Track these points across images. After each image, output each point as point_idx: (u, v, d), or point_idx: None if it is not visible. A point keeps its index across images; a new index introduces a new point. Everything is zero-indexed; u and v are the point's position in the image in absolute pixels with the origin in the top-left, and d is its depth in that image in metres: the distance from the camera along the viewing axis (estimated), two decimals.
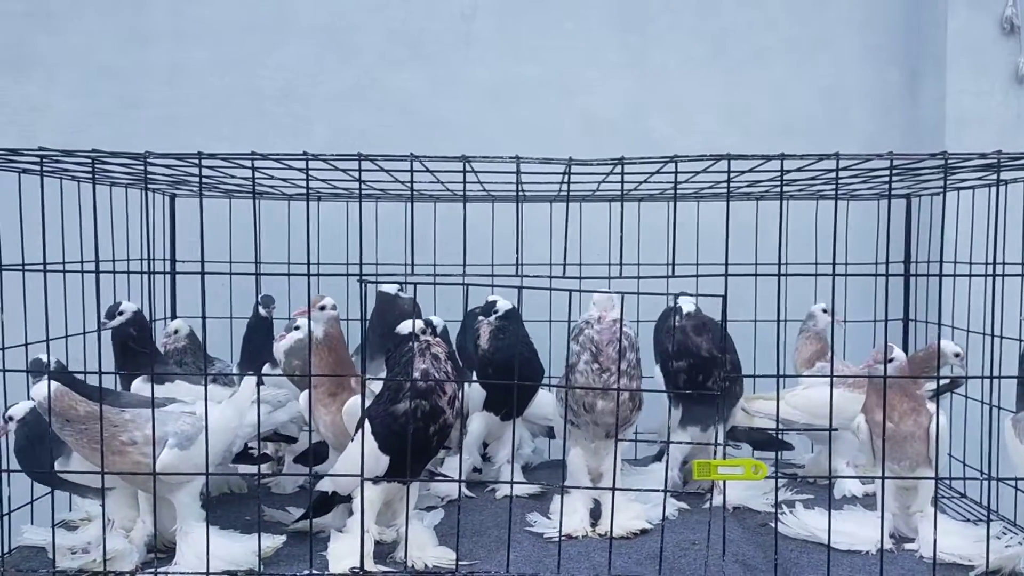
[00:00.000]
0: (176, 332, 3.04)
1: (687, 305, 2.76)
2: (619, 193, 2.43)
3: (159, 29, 4.00)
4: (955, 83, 3.88)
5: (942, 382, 2.80)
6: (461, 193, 2.37)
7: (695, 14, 4.10)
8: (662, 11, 4.10)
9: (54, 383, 2.19)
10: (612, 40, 4.10)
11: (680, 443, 2.74)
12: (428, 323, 3.03)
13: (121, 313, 2.78)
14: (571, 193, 2.50)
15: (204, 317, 2.16)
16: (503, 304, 2.88)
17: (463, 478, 2.63)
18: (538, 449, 3.39)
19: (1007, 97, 3.87)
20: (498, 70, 4.07)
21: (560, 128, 4.05)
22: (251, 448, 2.69)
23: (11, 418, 2.37)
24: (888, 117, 4.11)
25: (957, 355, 2.78)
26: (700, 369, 2.71)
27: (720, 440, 2.53)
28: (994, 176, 2.35)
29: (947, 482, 3.02)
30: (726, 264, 2.12)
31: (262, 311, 3.18)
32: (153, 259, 3.23)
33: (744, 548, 2.43)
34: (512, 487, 2.54)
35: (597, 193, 2.92)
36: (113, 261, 2.67)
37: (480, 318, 2.89)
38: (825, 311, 3.19)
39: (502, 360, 2.80)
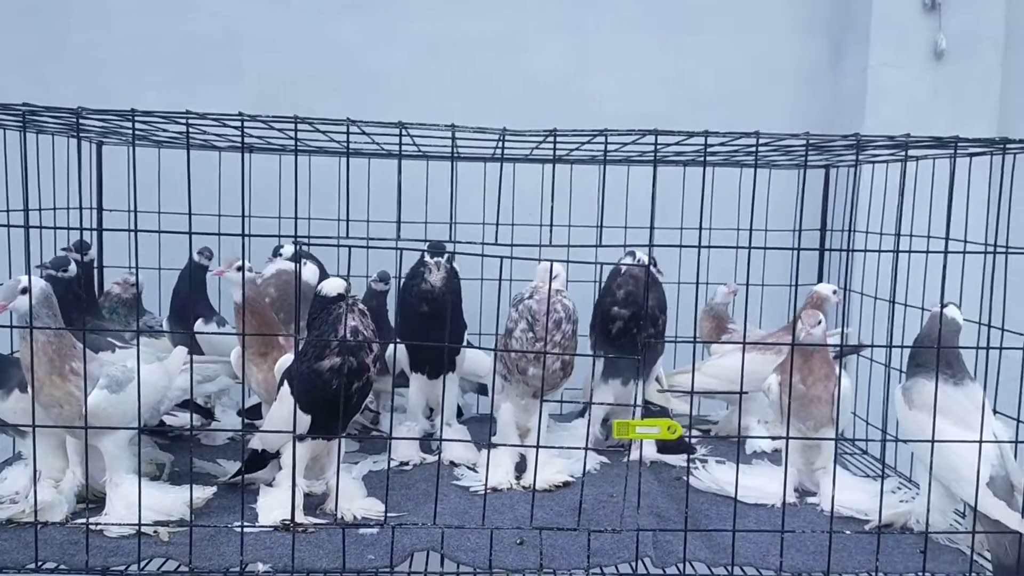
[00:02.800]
0: (133, 285, 3.01)
1: (643, 255, 2.80)
2: (551, 157, 2.48)
3: None
4: (877, 56, 3.99)
5: (847, 346, 2.97)
6: (396, 153, 2.36)
7: None
8: None
9: (43, 283, 2.22)
10: None
11: (602, 404, 2.85)
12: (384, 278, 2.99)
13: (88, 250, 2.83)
14: (505, 156, 2.55)
15: (160, 269, 2.18)
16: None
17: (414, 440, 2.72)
18: (467, 405, 3.48)
19: (925, 71, 4.00)
20: (436, 24, 4.05)
21: (496, 85, 4.07)
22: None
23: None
24: (814, 87, 4.23)
25: (835, 292, 3.02)
26: (637, 321, 2.76)
27: (639, 402, 2.65)
28: (904, 153, 2.48)
29: (850, 440, 3.21)
30: (652, 229, 2.21)
31: (200, 259, 3.12)
32: (81, 208, 3.16)
33: (659, 500, 2.56)
34: (441, 444, 2.61)
35: (530, 156, 2.97)
36: (40, 211, 2.63)
37: (429, 258, 2.76)
38: (725, 284, 3.36)
39: (444, 301, 2.71)
